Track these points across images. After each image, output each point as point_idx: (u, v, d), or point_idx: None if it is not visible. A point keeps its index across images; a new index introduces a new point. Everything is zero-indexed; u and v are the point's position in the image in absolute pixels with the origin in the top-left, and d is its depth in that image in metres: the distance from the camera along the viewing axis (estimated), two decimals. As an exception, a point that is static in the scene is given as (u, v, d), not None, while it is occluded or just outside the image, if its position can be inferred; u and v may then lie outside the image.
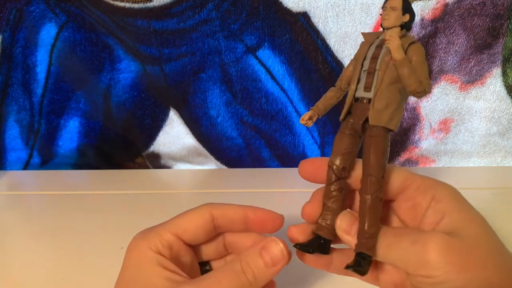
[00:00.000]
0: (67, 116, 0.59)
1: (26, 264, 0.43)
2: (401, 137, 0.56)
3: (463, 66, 0.51)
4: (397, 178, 0.28)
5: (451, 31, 0.49)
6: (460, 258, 0.24)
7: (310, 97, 0.54)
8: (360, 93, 0.28)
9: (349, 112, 0.29)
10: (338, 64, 0.52)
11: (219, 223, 0.31)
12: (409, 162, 0.59)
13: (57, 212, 0.51)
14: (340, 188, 0.29)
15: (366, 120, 0.28)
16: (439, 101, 0.54)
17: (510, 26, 0.48)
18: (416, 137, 0.57)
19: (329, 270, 0.30)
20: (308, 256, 0.29)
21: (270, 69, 0.53)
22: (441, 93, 0.53)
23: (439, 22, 0.49)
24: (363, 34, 0.30)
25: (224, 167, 0.61)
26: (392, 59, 0.27)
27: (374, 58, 0.28)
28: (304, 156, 0.58)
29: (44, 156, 0.61)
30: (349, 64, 0.30)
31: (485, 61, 0.51)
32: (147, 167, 0.63)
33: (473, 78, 0.52)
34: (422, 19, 0.49)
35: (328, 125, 0.56)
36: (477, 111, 0.54)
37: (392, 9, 0.28)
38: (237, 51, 0.52)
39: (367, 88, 0.28)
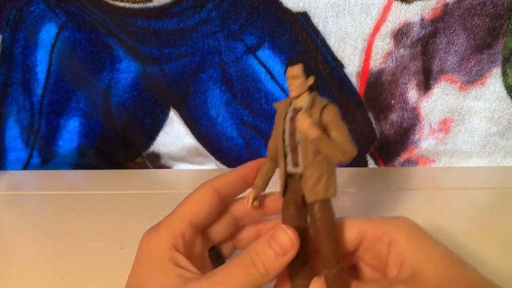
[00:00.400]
0: (67, 116, 0.59)
1: (26, 264, 0.43)
2: (401, 137, 0.56)
3: (463, 66, 0.51)
4: (351, 232, 0.28)
5: (451, 31, 0.49)
6: None
7: (310, 97, 0.54)
8: (290, 169, 0.28)
9: (286, 187, 0.29)
10: (338, 64, 0.52)
11: (223, 194, 0.31)
12: (409, 162, 0.59)
13: (57, 212, 0.51)
14: (303, 261, 0.29)
15: (304, 195, 0.27)
16: (439, 101, 0.54)
17: (510, 26, 0.48)
18: (416, 137, 0.57)
19: None
20: None
21: (270, 69, 0.53)
22: (441, 93, 0.53)
23: (439, 22, 0.49)
24: (275, 105, 0.30)
25: (224, 167, 0.61)
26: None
27: (292, 132, 0.28)
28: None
29: (44, 156, 0.61)
30: (272, 134, 0.30)
31: (485, 61, 0.51)
32: (147, 167, 0.63)
33: (473, 78, 0.52)
34: (422, 19, 0.49)
35: (328, 125, 0.56)
36: (477, 111, 0.54)
37: (295, 77, 0.28)
38: (237, 51, 0.52)
39: (296, 164, 0.28)
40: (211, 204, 0.30)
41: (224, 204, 0.32)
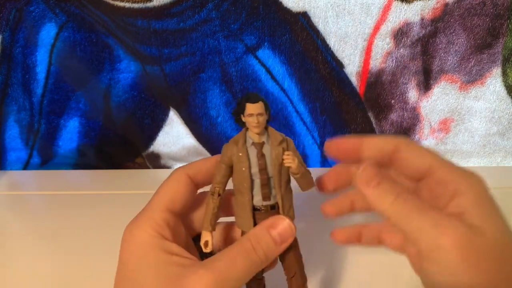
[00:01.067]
0: (67, 116, 0.58)
1: (26, 264, 0.43)
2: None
3: (463, 66, 0.51)
4: (421, 164, 0.28)
5: (451, 31, 0.49)
6: (476, 257, 0.24)
7: (310, 97, 0.54)
8: (259, 202, 0.30)
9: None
10: (338, 64, 0.52)
11: (197, 180, 0.31)
12: (409, 162, 0.59)
13: (57, 212, 0.51)
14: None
15: None
16: (439, 101, 0.54)
17: (510, 26, 0.48)
18: (416, 137, 0.57)
19: (361, 243, 0.32)
20: (340, 237, 0.33)
21: (270, 69, 0.53)
22: (441, 93, 0.53)
23: (439, 22, 0.49)
24: (232, 141, 0.30)
25: (224, 167, 0.61)
26: (293, 173, 0.29)
27: (262, 168, 0.29)
28: (304, 156, 0.58)
29: (44, 156, 0.61)
30: (218, 169, 0.30)
31: (485, 61, 0.51)
32: (147, 167, 0.62)
33: (473, 78, 0.52)
34: (422, 19, 0.49)
35: (328, 125, 0.56)
36: (477, 111, 0.54)
37: (260, 115, 0.29)
38: (237, 51, 0.52)
39: (266, 198, 0.29)
40: (186, 190, 0.30)
41: (199, 188, 0.32)
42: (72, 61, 0.54)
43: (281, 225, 0.28)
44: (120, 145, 0.61)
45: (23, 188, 0.58)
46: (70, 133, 0.60)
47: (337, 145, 0.32)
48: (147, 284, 0.26)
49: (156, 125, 0.58)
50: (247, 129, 0.30)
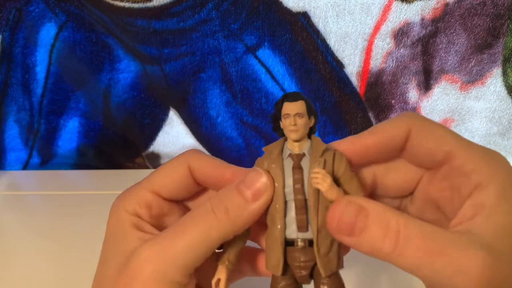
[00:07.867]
0: (66, 116, 0.58)
1: (26, 264, 0.43)
2: (401, 137, 0.56)
3: (464, 66, 0.51)
4: (438, 149, 0.23)
5: (452, 30, 0.49)
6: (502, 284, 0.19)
7: (310, 97, 0.54)
8: (293, 234, 0.22)
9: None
10: (339, 64, 0.52)
11: (196, 176, 0.27)
12: (409, 162, 0.58)
13: (57, 212, 0.51)
14: None
15: (312, 268, 0.23)
16: (439, 101, 0.54)
17: (510, 26, 0.48)
18: (416, 137, 0.56)
19: None
20: None
21: (270, 69, 0.53)
22: (441, 93, 0.53)
23: (440, 22, 0.49)
24: (266, 148, 0.25)
25: (224, 167, 0.61)
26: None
27: (298, 186, 0.22)
28: (304, 156, 0.58)
29: (44, 156, 0.61)
30: None
31: (485, 61, 0.51)
32: (147, 167, 0.62)
33: (473, 78, 0.52)
34: (423, 19, 0.49)
35: (328, 125, 0.56)
36: (477, 111, 0.54)
37: (299, 116, 0.23)
38: (237, 51, 0.52)
39: (302, 228, 0.22)
40: (182, 183, 0.27)
41: (201, 186, 0.28)
42: (72, 61, 0.54)
43: (254, 177, 0.22)
44: (119, 145, 0.61)
45: (22, 188, 0.58)
46: (70, 133, 0.60)
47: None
48: (108, 256, 0.26)
49: (156, 125, 0.58)
50: (286, 138, 0.24)
